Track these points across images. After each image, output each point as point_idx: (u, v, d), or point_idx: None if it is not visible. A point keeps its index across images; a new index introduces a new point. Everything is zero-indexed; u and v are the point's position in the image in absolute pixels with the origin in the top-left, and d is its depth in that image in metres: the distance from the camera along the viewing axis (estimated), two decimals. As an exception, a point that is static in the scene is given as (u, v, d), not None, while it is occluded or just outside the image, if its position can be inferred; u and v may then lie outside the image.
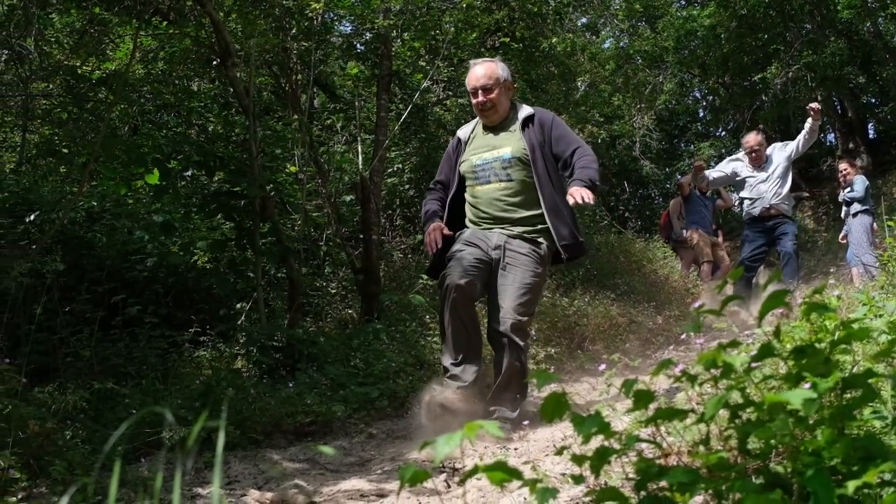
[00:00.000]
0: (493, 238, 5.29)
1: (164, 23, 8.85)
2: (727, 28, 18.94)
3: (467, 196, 5.58)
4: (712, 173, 10.33)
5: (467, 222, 5.55)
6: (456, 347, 5.20)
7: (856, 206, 11.39)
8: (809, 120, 9.66)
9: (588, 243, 12.73)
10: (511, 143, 5.39)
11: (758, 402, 1.62)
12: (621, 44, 21.19)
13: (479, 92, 5.41)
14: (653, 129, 21.05)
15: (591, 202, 4.97)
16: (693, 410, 1.74)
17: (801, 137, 9.85)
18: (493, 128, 5.55)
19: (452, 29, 10.36)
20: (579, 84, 15.82)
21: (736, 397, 1.68)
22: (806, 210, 20.61)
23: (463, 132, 5.76)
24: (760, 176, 9.85)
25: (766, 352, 1.67)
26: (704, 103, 25.27)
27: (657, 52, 20.49)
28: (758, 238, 9.86)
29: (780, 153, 9.94)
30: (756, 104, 20.88)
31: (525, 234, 5.31)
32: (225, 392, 5.60)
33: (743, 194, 10.07)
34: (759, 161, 9.87)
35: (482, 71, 5.45)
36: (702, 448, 1.83)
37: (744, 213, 10.17)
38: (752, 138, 10.16)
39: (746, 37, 19.49)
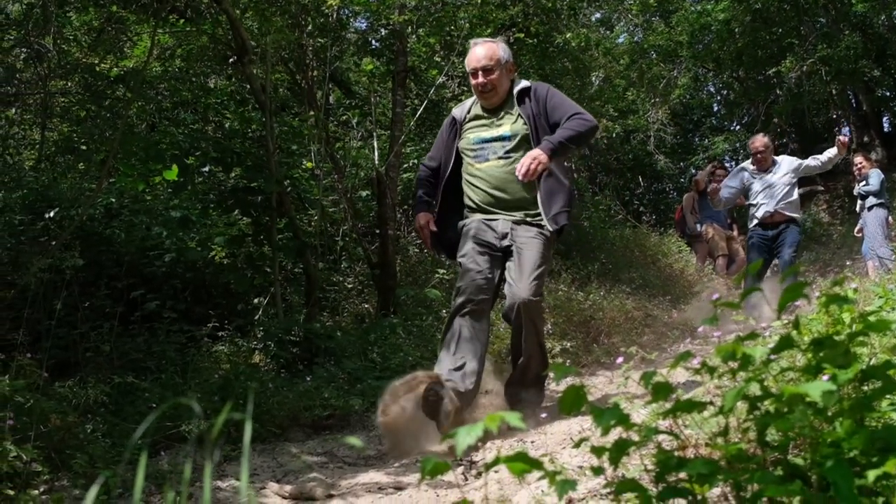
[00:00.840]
0: (499, 227, 5.14)
1: (181, 20, 8.88)
2: (741, 22, 18.89)
3: (464, 175, 5.38)
4: (724, 193, 10.09)
5: (466, 210, 5.38)
6: (458, 354, 4.96)
7: (871, 200, 11.35)
8: (834, 150, 9.42)
9: (602, 236, 12.79)
10: (510, 121, 5.21)
11: (777, 394, 1.61)
12: (635, 38, 21.14)
13: (479, 73, 5.20)
14: (667, 123, 21.02)
15: (530, 172, 4.84)
16: (711, 403, 1.73)
17: (814, 161, 9.68)
18: (493, 108, 5.33)
19: (467, 24, 10.35)
20: (594, 79, 15.76)
21: (754, 389, 1.67)
22: (821, 203, 20.55)
23: (458, 111, 5.54)
24: (766, 179, 9.57)
25: (785, 343, 1.67)
26: (719, 97, 25.19)
27: (671, 46, 20.42)
28: (762, 245, 9.57)
29: (790, 164, 9.71)
30: (770, 98, 20.82)
31: (528, 220, 5.14)
32: (245, 385, 5.62)
33: (749, 200, 9.80)
34: (765, 164, 9.63)
35: (482, 51, 5.24)
36: (720, 440, 1.82)
37: (749, 217, 9.90)
38: (758, 140, 9.88)
39: (761, 31, 19.42)
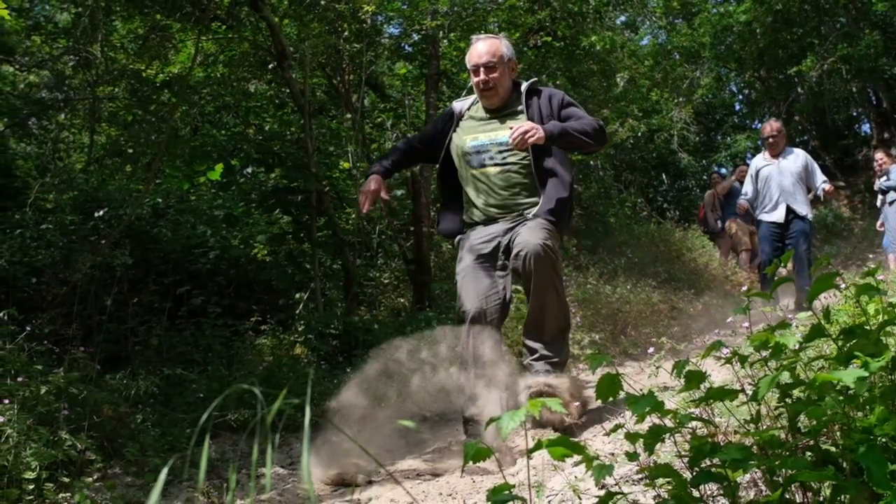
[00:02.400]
0: (499, 227, 4.65)
1: (223, 28, 8.93)
2: (763, 23, 18.74)
3: (465, 176, 4.84)
4: (741, 200, 9.60)
5: (466, 210, 4.89)
6: (476, 380, 4.47)
7: (892, 195, 11.23)
8: (822, 190, 9.08)
9: (629, 232, 12.72)
10: (512, 126, 4.55)
11: (809, 382, 1.59)
12: (659, 40, 21.05)
13: (481, 70, 4.70)
14: (690, 122, 20.91)
15: (518, 139, 4.30)
16: (743, 391, 1.72)
17: (812, 179, 9.14)
18: (494, 109, 4.81)
19: (497, 29, 10.33)
20: (619, 80, 15.72)
21: (786, 377, 1.66)
22: (842, 199, 20.38)
23: (459, 105, 5.02)
24: (778, 166, 9.07)
25: (816, 333, 1.65)
26: (741, 97, 25.03)
27: (694, 47, 20.34)
28: (773, 236, 9.04)
29: (804, 157, 9.22)
30: (791, 97, 20.68)
31: (529, 216, 4.60)
32: (288, 376, 5.64)
33: (759, 187, 9.25)
34: (776, 149, 9.17)
35: (484, 48, 4.75)
36: (752, 427, 1.81)
37: (757, 207, 9.34)
38: (770, 125, 9.42)
39: (782, 31, 19.28)
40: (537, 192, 4.65)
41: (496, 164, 4.68)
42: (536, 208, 4.61)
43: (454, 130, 4.89)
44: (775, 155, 9.18)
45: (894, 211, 11.12)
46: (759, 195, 9.22)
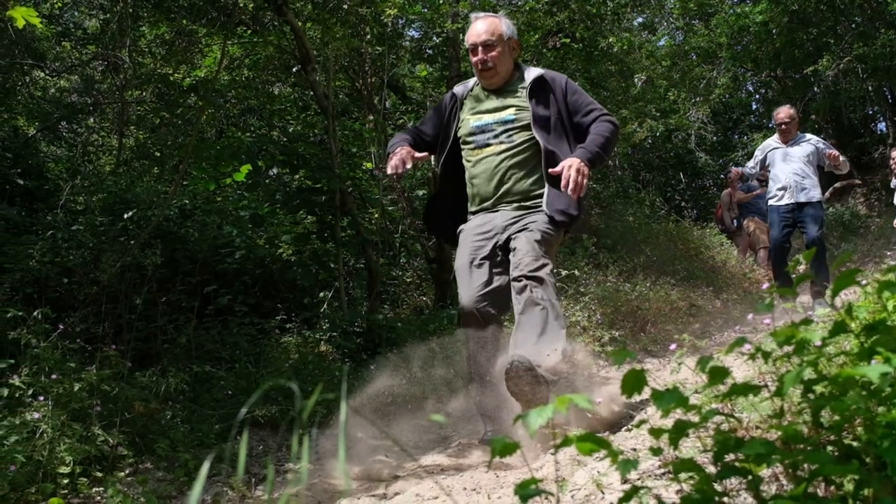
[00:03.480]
0: (498, 220, 4.44)
1: (248, 32, 8.96)
2: (779, 23, 18.63)
3: (465, 165, 4.64)
4: (748, 164, 9.49)
5: (469, 204, 4.66)
6: (482, 391, 4.31)
7: None
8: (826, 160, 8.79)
9: (647, 230, 12.68)
10: (515, 105, 4.50)
11: (832, 377, 1.59)
12: (676, 41, 20.98)
13: (479, 49, 4.49)
14: (707, 122, 20.84)
15: (579, 187, 4.10)
16: (766, 386, 1.71)
17: (822, 160, 8.88)
18: (495, 90, 4.60)
19: (518, 30, 10.32)
20: (637, 81, 15.69)
21: (809, 373, 1.65)
22: (858, 196, 20.27)
23: (460, 88, 4.79)
24: (788, 151, 8.85)
25: (839, 328, 1.65)
26: (757, 96, 24.89)
27: (711, 47, 20.26)
28: (783, 220, 8.84)
29: (816, 144, 8.94)
30: (808, 96, 20.56)
31: (531, 208, 4.42)
32: (314, 373, 5.66)
33: (770, 170, 9.07)
34: (788, 136, 8.95)
35: (483, 26, 4.53)
36: (775, 422, 1.80)
37: (767, 195, 9.19)
38: (782, 111, 9.17)
39: (798, 31, 19.17)
40: (543, 178, 4.42)
41: (501, 143, 4.48)
42: (542, 200, 4.40)
43: (458, 115, 4.68)
44: (786, 141, 9.02)
45: None
46: (769, 181, 9.08)
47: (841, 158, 8.69)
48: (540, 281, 4.12)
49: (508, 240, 4.38)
